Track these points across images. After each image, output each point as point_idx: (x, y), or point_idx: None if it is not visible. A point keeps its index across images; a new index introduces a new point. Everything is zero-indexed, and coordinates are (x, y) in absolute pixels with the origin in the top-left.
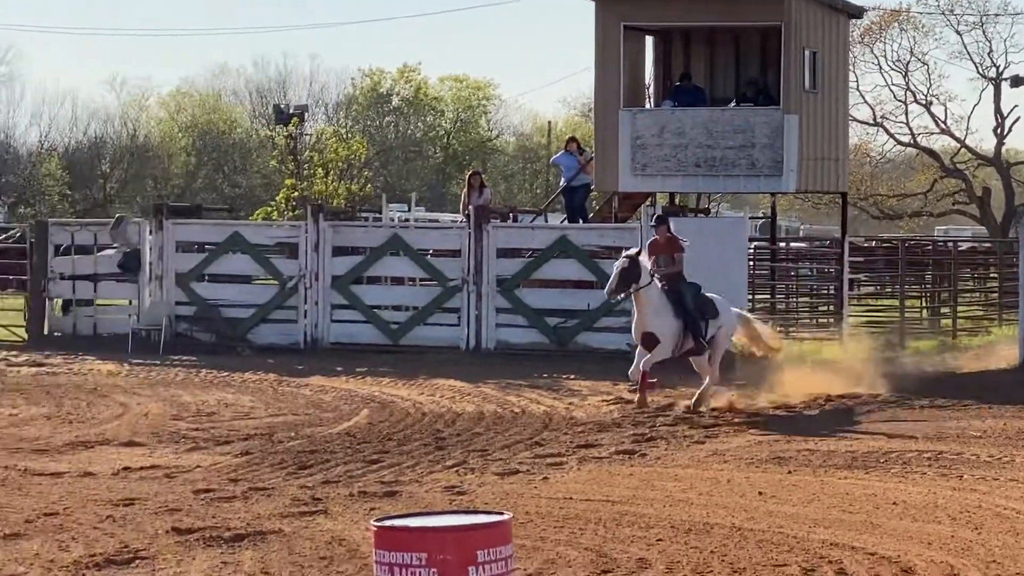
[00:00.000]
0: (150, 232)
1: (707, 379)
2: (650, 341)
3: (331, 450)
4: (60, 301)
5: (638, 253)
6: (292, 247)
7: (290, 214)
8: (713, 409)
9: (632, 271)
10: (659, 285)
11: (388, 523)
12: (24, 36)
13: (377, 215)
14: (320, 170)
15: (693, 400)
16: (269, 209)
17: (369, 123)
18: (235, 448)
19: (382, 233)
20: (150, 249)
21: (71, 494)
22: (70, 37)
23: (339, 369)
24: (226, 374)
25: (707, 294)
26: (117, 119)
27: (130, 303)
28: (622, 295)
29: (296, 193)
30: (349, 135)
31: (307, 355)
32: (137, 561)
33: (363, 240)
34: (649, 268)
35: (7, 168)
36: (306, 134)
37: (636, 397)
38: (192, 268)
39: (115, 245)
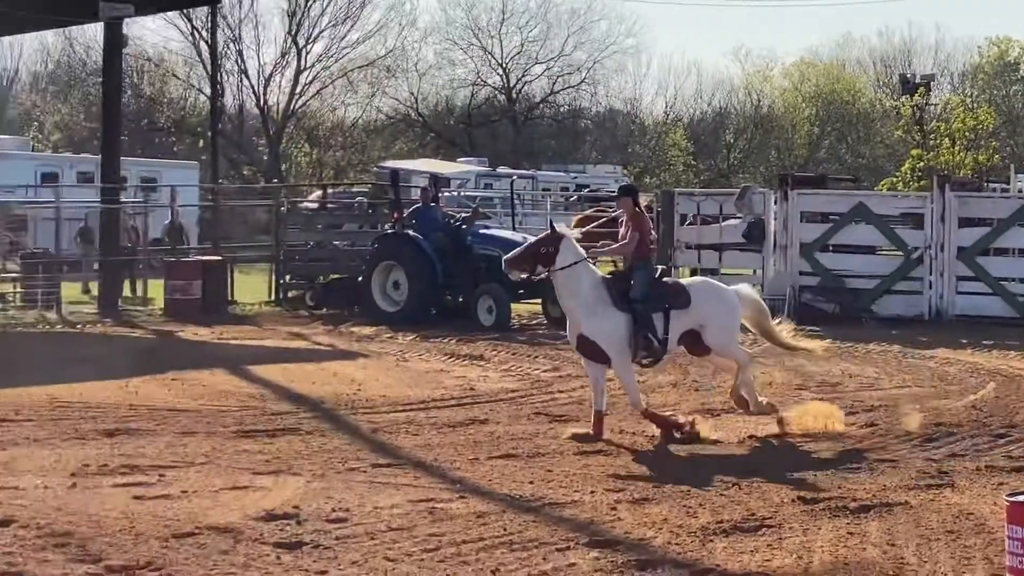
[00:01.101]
0: (775, 202)
1: (746, 391)
2: (588, 348)
3: (957, 423)
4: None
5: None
6: (917, 218)
7: (915, 185)
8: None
9: (542, 246)
10: (592, 268)
11: (1021, 498)
12: (651, 8)
13: (1004, 186)
14: (946, 140)
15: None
16: (894, 180)
17: (995, 92)
18: (860, 419)
19: (1009, 204)
20: (774, 219)
21: (700, 461)
22: (696, 9)
23: (964, 341)
24: (849, 345)
25: (681, 279)
26: (741, 90)
27: (754, 273)
28: (522, 275)
29: (922, 163)
30: (975, 104)
31: (931, 327)
32: (763, 528)
33: (990, 211)
34: (577, 248)
35: (634, 139)
36: (932, 104)
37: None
38: (816, 238)
39: (740, 215)
